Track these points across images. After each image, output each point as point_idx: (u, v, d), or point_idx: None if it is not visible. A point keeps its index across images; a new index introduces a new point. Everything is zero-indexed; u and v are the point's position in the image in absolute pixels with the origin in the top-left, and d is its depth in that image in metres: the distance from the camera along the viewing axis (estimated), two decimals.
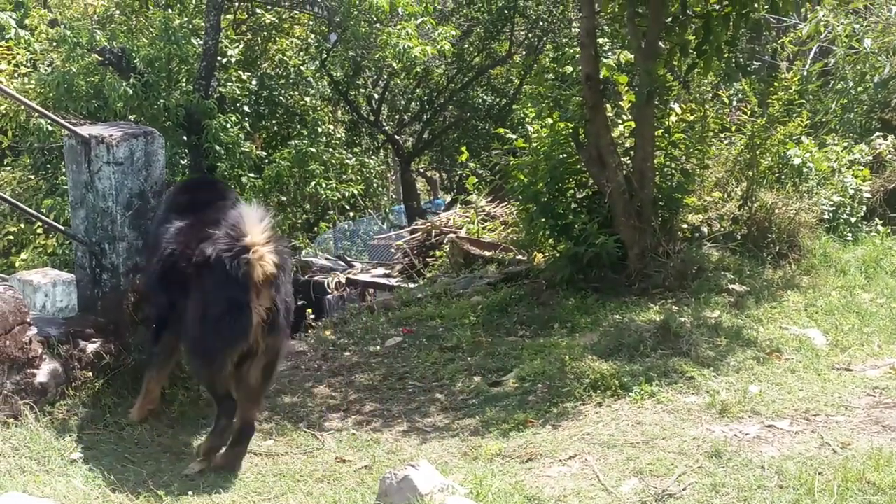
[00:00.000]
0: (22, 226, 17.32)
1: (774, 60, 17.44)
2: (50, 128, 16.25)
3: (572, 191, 10.68)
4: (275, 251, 6.48)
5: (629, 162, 10.28)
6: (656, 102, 10.17)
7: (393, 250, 17.41)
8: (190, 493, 6.24)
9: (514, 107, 24.59)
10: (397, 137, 27.39)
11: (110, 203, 7.74)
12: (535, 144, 10.89)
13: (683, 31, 9.96)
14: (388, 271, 17.07)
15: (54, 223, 9.51)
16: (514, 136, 11.80)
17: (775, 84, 11.60)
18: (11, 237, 17.34)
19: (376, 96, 26.39)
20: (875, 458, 5.70)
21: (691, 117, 10.94)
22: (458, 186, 28.61)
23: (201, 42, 17.89)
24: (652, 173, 10.02)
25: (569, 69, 11.74)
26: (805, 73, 13.77)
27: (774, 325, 8.73)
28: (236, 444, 6.63)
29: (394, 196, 31.38)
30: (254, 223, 6.51)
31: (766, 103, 11.41)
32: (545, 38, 24.64)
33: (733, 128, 11.72)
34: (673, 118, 10.72)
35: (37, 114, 15.85)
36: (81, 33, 17.20)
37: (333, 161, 19.44)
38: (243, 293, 6.43)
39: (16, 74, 18.31)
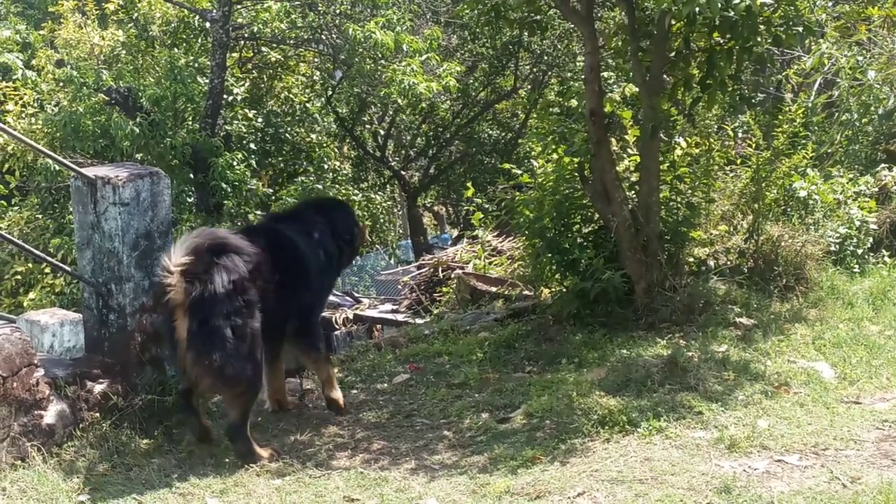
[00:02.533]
0: (30, 265, 17.40)
1: (779, 92, 17.49)
2: (57, 168, 16.37)
3: (578, 226, 10.68)
4: (186, 276, 6.95)
5: (634, 196, 10.28)
6: (661, 136, 10.17)
7: (400, 286, 17.39)
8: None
9: (519, 141, 24.68)
10: (403, 173, 27.46)
11: (116, 244, 7.77)
12: (540, 179, 10.91)
13: (687, 66, 9.98)
14: (395, 307, 17.06)
15: (60, 264, 9.54)
16: (519, 172, 11.81)
17: (780, 116, 11.61)
18: (19, 277, 17.41)
19: (382, 132, 26.50)
20: (885, 493, 5.68)
21: (696, 151, 10.96)
22: (464, 221, 28.63)
23: (207, 80, 18.02)
24: (657, 207, 10.02)
25: (573, 103, 11.74)
26: (809, 105, 13.78)
27: (782, 358, 8.69)
28: None
29: (400, 231, 31.39)
30: (178, 250, 7.04)
31: (771, 136, 11.42)
32: (550, 73, 24.75)
33: (738, 161, 11.73)
34: (678, 152, 10.73)
35: (43, 154, 15.96)
36: (88, 73, 17.33)
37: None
38: (166, 320, 7.25)
39: (23, 115, 18.46)
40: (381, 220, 21.85)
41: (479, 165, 27.42)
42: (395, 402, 8.97)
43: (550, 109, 11.74)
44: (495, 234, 15.74)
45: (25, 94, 18.91)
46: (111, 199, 7.70)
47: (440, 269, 15.58)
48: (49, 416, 7.33)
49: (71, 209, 16.49)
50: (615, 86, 12.16)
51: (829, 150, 14.00)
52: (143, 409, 7.82)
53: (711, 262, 10.72)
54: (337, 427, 8.38)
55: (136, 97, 17.73)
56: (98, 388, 7.72)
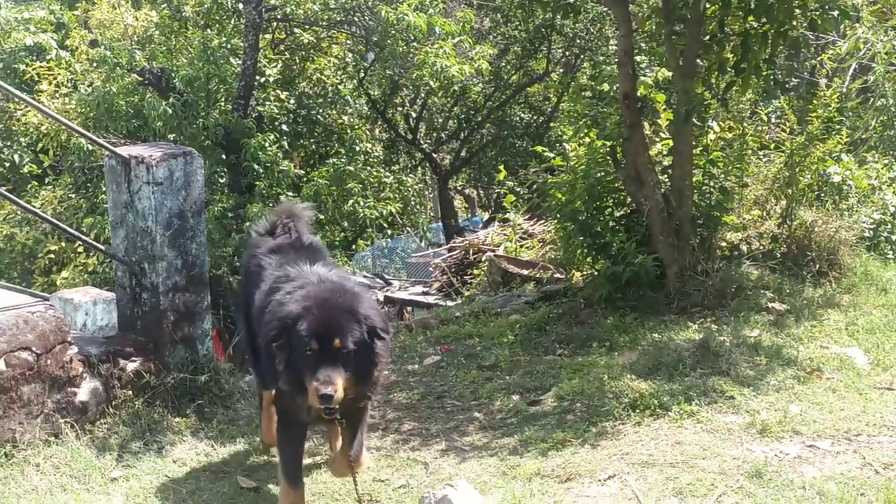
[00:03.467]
0: (63, 244, 17.51)
1: (813, 77, 17.37)
2: (90, 147, 16.44)
3: (610, 209, 10.65)
4: None
5: (667, 180, 10.24)
6: (694, 121, 10.12)
7: (431, 268, 17.42)
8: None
9: (551, 125, 24.63)
10: (435, 155, 27.44)
11: (150, 223, 7.79)
12: (572, 163, 10.87)
13: (722, 49, 9.94)
14: (425, 289, 17.11)
15: (94, 243, 9.58)
16: (551, 155, 11.78)
17: (815, 101, 11.53)
18: (53, 256, 17.53)
19: (414, 114, 26.48)
20: None
21: (730, 135, 10.90)
22: (495, 204, 28.62)
23: (240, 62, 18.06)
24: (690, 191, 9.98)
25: (606, 87, 11.70)
26: (844, 91, 13.69)
27: (815, 343, 8.64)
28: None
29: (431, 214, 31.41)
30: None
31: (806, 120, 11.35)
32: (582, 56, 24.68)
33: (772, 145, 11.66)
34: (711, 136, 10.68)
35: (77, 134, 16.02)
36: (121, 54, 17.38)
37: (371, 179, 19.53)
38: None
39: (56, 94, 18.54)
40: (412, 203, 21.84)
41: (510, 149, 27.40)
42: (426, 384, 8.99)
43: (583, 93, 11.70)
44: (526, 217, 15.74)
45: (59, 74, 19.00)
46: (145, 179, 7.72)
47: (471, 252, 15.61)
48: (82, 393, 7.38)
49: (104, 189, 16.65)
50: (648, 70, 12.10)
51: (864, 136, 13.90)
52: (175, 388, 7.84)
53: (744, 247, 10.67)
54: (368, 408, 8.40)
55: (169, 78, 17.78)
56: (131, 366, 7.76)
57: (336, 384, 5.21)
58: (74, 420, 7.22)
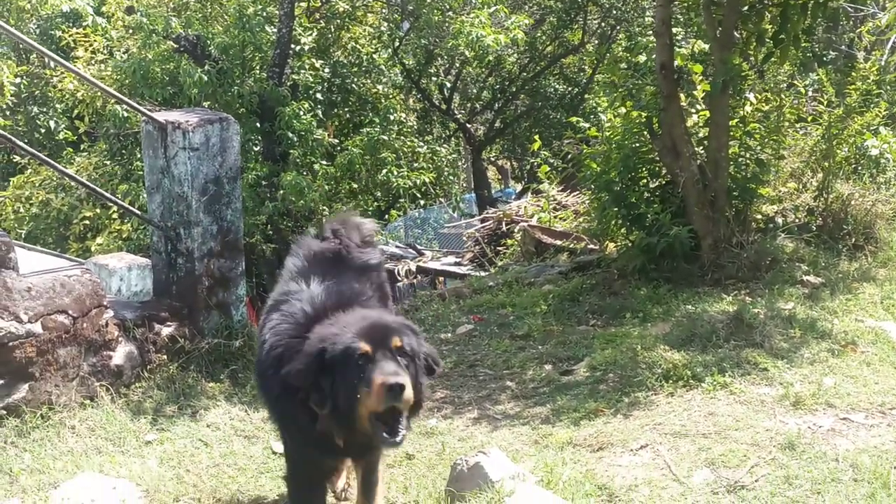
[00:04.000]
0: (98, 211, 17.56)
1: (851, 50, 17.20)
2: (125, 114, 16.46)
3: (645, 180, 10.62)
4: None
5: (703, 152, 10.19)
6: (731, 92, 10.06)
7: (465, 238, 17.42)
8: (263, 475, 6.31)
9: (586, 96, 24.52)
10: (468, 126, 27.36)
11: (186, 188, 7.82)
12: (607, 134, 10.84)
13: (760, 20, 9.86)
14: (458, 259, 17.11)
15: (131, 208, 9.62)
16: (586, 125, 11.74)
17: (853, 74, 11.43)
18: (88, 222, 17.60)
19: (448, 85, 26.39)
20: None
21: (766, 107, 10.83)
22: (529, 175, 28.55)
23: (275, 30, 18.02)
24: (726, 163, 9.93)
25: (642, 58, 11.64)
26: (883, 64, 13.54)
27: (850, 317, 8.59)
28: None
29: (464, 185, 31.35)
30: None
31: (844, 93, 11.25)
32: (618, 27, 24.52)
33: (809, 118, 11.58)
34: (748, 108, 10.61)
35: (113, 100, 16.07)
36: (157, 20, 17.38)
37: (405, 149, 19.49)
38: None
39: (92, 61, 18.56)
40: (446, 173, 21.79)
41: (544, 120, 27.25)
42: (459, 352, 9.02)
43: (619, 64, 11.64)
44: (560, 188, 15.70)
45: (95, 40, 19.04)
46: (181, 144, 7.75)
47: (504, 223, 15.60)
48: (118, 356, 7.44)
49: (139, 156, 16.71)
50: (684, 41, 12.03)
51: None
52: (209, 353, 7.90)
53: (779, 220, 10.61)
54: None
55: (204, 45, 17.76)
56: (166, 330, 7.82)
57: (405, 376, 4.44)
58: (109, 383, 7.29)
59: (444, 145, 23.94)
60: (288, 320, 5.05)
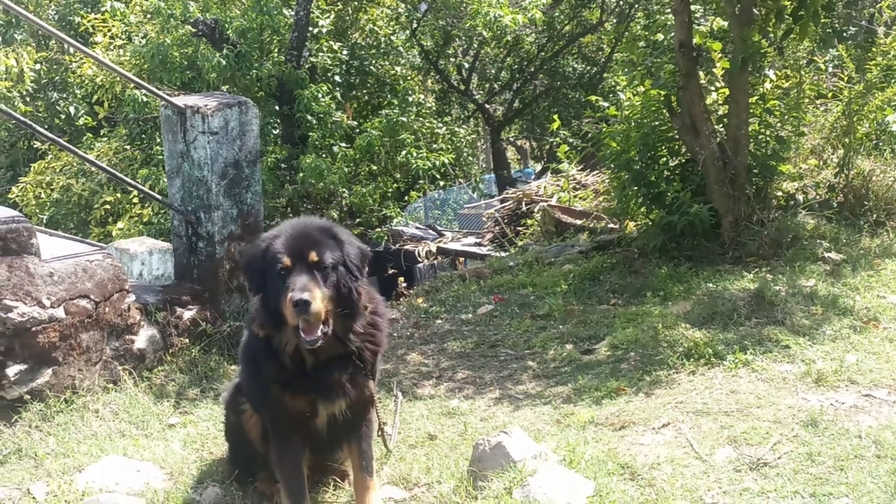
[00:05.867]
0: (118, 195, 17.58)
1: (871, 26, 17.08)
2: (145, 99, 16.47)
3: (665, 158, 10.60)
4: None
5: (722, 130, 10.15)
6: (750, 69, 10.01)
7: (484, 219, 17.41)
8: None
9: (604, 75, 24.44)
10: (487, 106, 27.32)
11: (206, 172, 7.85)
12: (627, 112, 10.81)
13: None
14: (478, 240, 17.12)
15: (151, 192, 9.64)
16: (605, 105, 11.70)
17: (874, 49, 11.36)
18: (108, 206, 17.62)
19: (466, 65, 26.34)
20: None
21: (786, 84, 10.78)
22: (548, 155, 28.51)
23: (293, 12, 17.99)
24: (746, 141, 9.89)
25: (660, 37, 11.58)
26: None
27: (871, 293, 8.56)
28: None
29: (483, 165, 31.33)
30: None
31: (864, 69, 11.18)
32: (636, 6, 24.43)
33: (829, 94, 11.52)
34: (767, 85, 10.56)
35: (132, 85, 16.09)
36: (175, 5, 17.37)
37: (424, 130, 19.46)
38: None
39: (111, 46, 18.56)
40: (465, 154, 21.76)
41: (563, 99, 27.23)
42: (480, 333, 9.02)
43: (637, 43, 11.59)
44: (580, 167, 15.69)
45: (114, 25, 19.04)
46: (200, 128, 7.77)
47: (524, 203, 15.59)
48: (140, 340, 7.48)
49: (158, 140, 16.74)
50: (703, 19, 11.97)
51: None
52: (230, 336, 7.94)
53: (800, 197, 10.57)
54: (421, 356, 8.46)
55: (222, 29, 17.75)
56: (187, 314, 7.86)
57: (313, 291, 4.70)
58: (132, 367, 7.33)
59: (463, 126, 23.92)
60: None
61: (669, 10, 12.24)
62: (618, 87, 11.95)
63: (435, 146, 19.98)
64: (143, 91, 16.83)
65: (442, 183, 21.07)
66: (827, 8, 9.69)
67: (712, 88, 10.74)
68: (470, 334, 8.99)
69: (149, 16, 18.72)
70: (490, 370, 8.04)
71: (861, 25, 17.26)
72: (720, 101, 10.60)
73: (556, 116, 16.46)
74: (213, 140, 7.79)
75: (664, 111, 10.21)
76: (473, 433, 6.44)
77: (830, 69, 12.90)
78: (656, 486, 5.25)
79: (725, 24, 10.48)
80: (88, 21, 19.08)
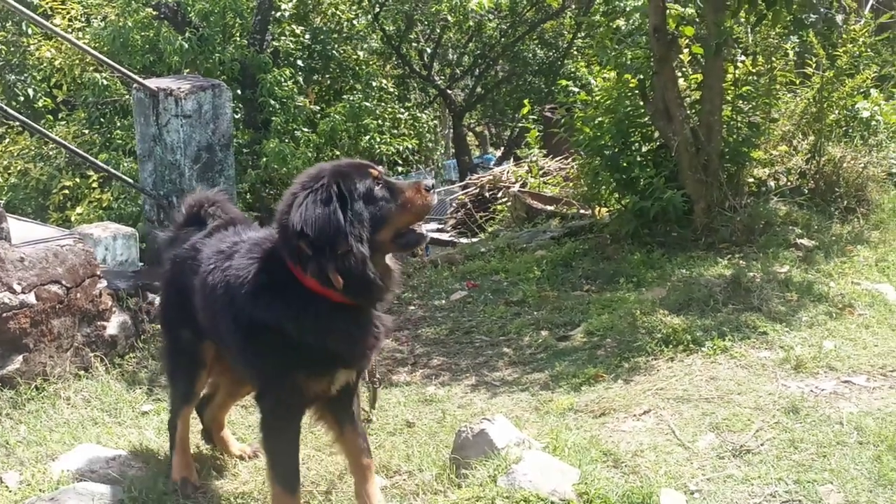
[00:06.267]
0: (77, 180, 17.39)
1: (830, 11, 17.11)
2: (105, 82, 16.29)
3: (637, 144, 10.57)
4: None
5: (695, 115, 10.13)
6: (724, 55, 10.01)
7: (454, 205, 17.33)
8: (258, 442, 6.24)
9: (565, 61, 24.46)
10: (449, 92, 27.28)
11: (178, 156, 7.76)
12: (598, 98, 10.77)
13: None
14: (440, 226, 17.02)
15: (123, 176, 9.54)
16: (576, 90, 11.65)
17: (843, 36, 11.38)
18: (67, 192, 17.40)
19: (429, 50, 26.29)
20: None
21: (754, 70, 10.78)
22: (508, 141, 28.51)
23: None
24: (719, 126, 9.89)
25: (620, 23, 11.54)
26: (861, 24, 13.48)
27: (845, 279, 8.59)
28: None
29: (443, 151, 31.30)
30: None
31: (834, 56, 11.21)
32: None
33: (798, 81, 11.53)
34: (740, 70, 10.56)
35: (92, 68, 15.89)
36: None
37: (386, 115, 19.40)
38: None
39: (70, 29, 18.33)
40: (427, 139, 21.73)
41: (524, 85, 27.22)
42: (454, 319, 8.97)
43: (609, 25, 11.55)
44: (543, 153, 15.67)
45: (73, 7, 18.83)
46: (173, 112, 7.67)
47: (487, 188, 15.54)
48: (111, 327, 7.38)
49: (118, 124, 16.56)
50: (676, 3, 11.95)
51: (894, 72, 13.73)
52: None
53: (772, 183, 10.60)
54: (395, 343, 8.39)
55: (184, 12, 17.63)
56: (158, 300, 7.74)
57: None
58: (104, 354, 7.24)
59: (425, 111, 23.88)
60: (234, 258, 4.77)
61: None
62: (579, 73, 11.92)
63: (395, 131, 19.93)
64: (104, 74, 16.67)
65: (402, 168, 21.02)
66: None
67: (679, 74, 10.71)
68: (444, 321, 8.93)
69: None
70: (465, 357, 7.99)
71: (821, 13, 17.31)
72: (692, 87, 10.58)
73: (526, 102, 16.40)
74: (186, 123, 7.70)
75: (637, 97, 10.18)
76: (452, 420, 6.38)
77: (792, 55, 12.91)
78: (640, 474, 5.23)
79: (684, 10, 10.44)
80: (47, 3, 18.83)
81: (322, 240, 4.23)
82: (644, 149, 10.56)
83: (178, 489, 5.45)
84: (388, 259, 4.56)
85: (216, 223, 5.40)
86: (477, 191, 16.20)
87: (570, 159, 14.29)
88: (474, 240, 13.41)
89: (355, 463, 5.07)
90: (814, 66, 11.35)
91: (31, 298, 6.69)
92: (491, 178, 16.27)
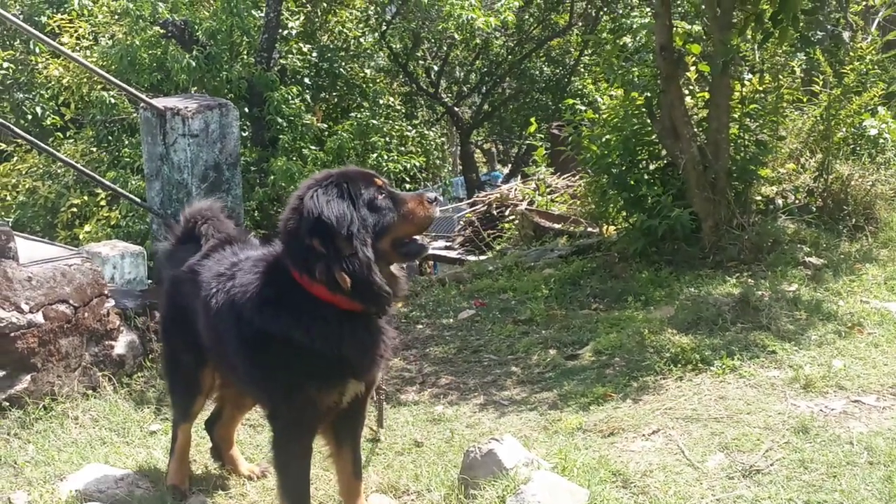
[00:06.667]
0: (86, 198, 17.40)
1: (836, 29, 17.13)
2: (112, 101, 16.32)
3: (645, 162, 10.57)
4: None
5: (702, 133, 10.13)
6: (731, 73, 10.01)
7: (462, 222, 17.34)
8: (270, 465, 6.22)
9: (572, 78, 24.48)
10: (456, 109, 27.30)
11: (185, 175, 7.76)
12: (605, 116, 10.78)
13: (758, 1, 9.78)
14: (448, 243, 17.03)
15: (131, 196, 9.55)
16: (583, 108, 11.66)
17: (851, 54, 11.39)
18: (75, 209, 17.42)
19: (436, 68, 26.33)
20: None
21: (761, 87, 10.78)
22: (516, 159, 28.52)
23: (262, 14, 17.90)
24: (727, 144, 9.88)
25: (626, 40, 11.57)
26: (868, 42, 13.46)
27: (854, 298, 8.56)
28: None
29: (450, 168, 31.32)
30: None
31: (841, 73, 11.20)
32: (603, 10, 24.52)
33: (805, 98, 11.52)
34: (747, 88, 10.56)
35: (100, 87, 15.92)
36: (144, 6, 17.26)
37: (393, 133, 19.42)
38: None
39: (78, 47, 18.37)
40: (435, 156, 21.74)
41: (531, 103, 27.25)
42: (462, 338, 8.96)
43: (605, 46, 11.58)
44: (551, 171, 15.68)
45: (81, 26, 18.86)
46: (181, 131, 7.68)
47: (495, 206, 15.56)
48: (119, 346, 7.38)
49: (126, 142, 16.58)
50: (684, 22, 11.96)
51: None
52: None
53: (780, 201, 10.57)
54: (404, 362, 8.38)
55: (192, 30, 17.65)
56: (158, 315, 7.74)
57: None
58: (112, 373, 7.23)
59: (433, 129, 23.90)
60: (238, 273, 4.80)
61: (635, 13, 12.24)
62: (590, 91, 11.91)
63: (403, 149, 19.94)
64: (111, 93, 16.70)
65: (409, 186, 21.03)
66: (807, 13, 9.67)
67: (686, 92, 10.71)
68: (452, 339, 8.93)
69: (117, 16, 18.58)
70: (474, 376, 7.97)
71: (828, 30, 17.33)
72: (699, 105, 10.57)
73: (532, 119, 16.40)
74: (193, 143, 7.70)
75: (644, 114, 10.18)
76: (460, 440, 6.37)
77: (799, 73, 12.90)
78: (650, 494, 5.20)
79: (690, 27, 10.45)
80: (55, 21, 18.88)
81: (341, 228, 4.26)
82: (651, 167, 10.56)
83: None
84: (394, 267, 4.60)
85: (211, 244, 5.40)
86: (484, 208, 16.21)
87: (577, 177, 14.29)
88: (482, 258, 13.41)
89: (346, 483, 5.11)
90: (821, 83, 11.34)
91: (38, 318, 6.68)
92: (498, 195, 16.29)
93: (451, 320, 9.48)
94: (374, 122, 18.17)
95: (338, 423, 4.92)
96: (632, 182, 10.26)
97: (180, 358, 5.55)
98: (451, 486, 5.43)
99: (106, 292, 7.29)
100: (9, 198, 18.43)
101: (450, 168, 29.89)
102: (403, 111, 23.56)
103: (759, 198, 10.55)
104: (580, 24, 26.15)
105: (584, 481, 5.25)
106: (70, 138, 19.14)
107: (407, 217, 4.44)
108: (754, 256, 9.61)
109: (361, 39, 21.18)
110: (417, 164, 19.24)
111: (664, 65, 9.75)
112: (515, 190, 16.18)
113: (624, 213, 10.60)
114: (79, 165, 9.13)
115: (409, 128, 21.04)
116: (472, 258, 14.10)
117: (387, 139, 19.00)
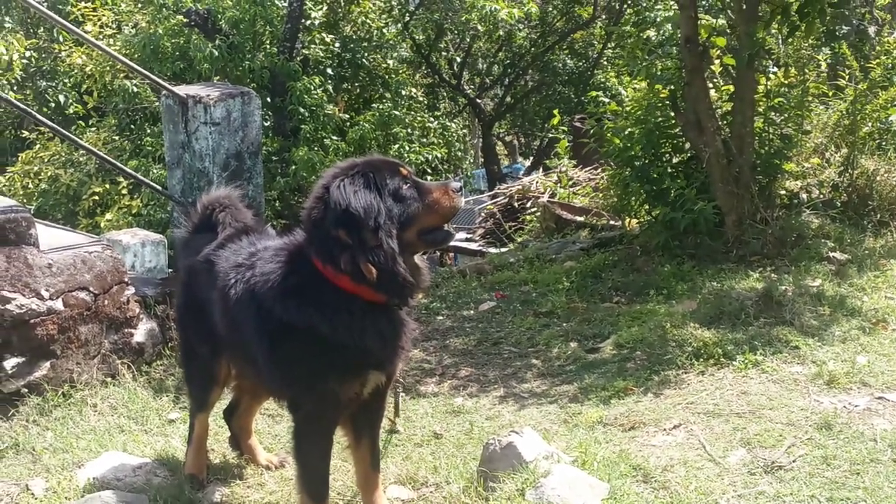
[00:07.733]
0: (107, 186, 17.44)
1: (863, 24, 17.02)
2: (135, 89, 16.34)
3: (668, 155, 10.50)
4: None
5: (726, 126, 10.06)
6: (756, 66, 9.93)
7: (483, 214, 17.31)
8: (289, 454, 6.20)
9: (595, 71, 24.40)
10: (478, 101, 27.26)
11: (207, 163, 7.74)
12: (629, 108, 10.72)
13: None
14: (469, 235, 16.99)
15: (152, 183, 9.52)
16: (606, 100, 11.59)
17: (877, 48, 11.30)
18: (97, 197, 17.46)
19: (458, 59, 26.29)
20: None
21: (786, 81, 10.70)
22: (538, 151, 28.47)
23: (286, 4, 17.90)
24: (751, 138, 9.80)
25: (650, 33, 11.49)
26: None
27: (879, 294, 8.47)
28: None
29: (472, 160, 31.28)
30: None
31: (867, 68, 11.11)
32: (627, 3, 24.41)
33: (830, 93, 11.44)
34: (772, 82, 10.48)
35: (122, 75, 15.93)
36: None
37: (415, 124, 19.39)
38: None
39: (101, 36, 18.40)
40: (456, 148, 21.70)
41: (554, 95, 27.17)
42: (482, 330, 8.92)
43: (627, 39, 11.51)
44: (573, 163, 15.63)
45: (104, 14, 18.90)
46: (202, 119, 7.66)
47: (516, 198, 15.52)
48: (139, 334, 7.37)
49: (148, 131, 16.60)
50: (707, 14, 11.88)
51: None
52: None
53: (804, 196, 10.49)
54: (424, 353, 8.36)
55: (215, 19, 17.66)
56: (175, 303, 7.72)
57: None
58: (131, 361, 7.22)
59: (455, 120, 23.87)
60: (260, 261, 4.76)
61: (659, 6, 12.16)
62: (614, 83, 11.85)
63: (424, 140, 19.92)
64: (134, 81, 16.72)
65: (431, 177, 21.01)
66: (834, 6, 9.59)
67: (710, 85, 10.63)
68: (472, 331, 8.89)
69: (140, 5, 18.61)
70: (494, 368, 7.94)
71: (853, 24, 17.21)
72: (723, 99, 10.50)
73: (556, 112, 16.35)
74: (215, 131, 7.68)
75: (668, 107, 10.11)
76: (480, 432, 6.34)
77: (823, 67, 12.81)
78: (670, 489, 5.15)
79: (715, 21, 10.36)
80: (78, 10, 18.91)
81: (368, 219, 4.23)
82: (675, 160, 10.49)
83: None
84: (417, 258, 4.58)
85: (228, 233, 5.39)
86: (506, 200, 16.17)
87: (599, 170, 14.24)
88: (503, 250, 13.37)
89: (364, 475, 5.08)
90: (847, 77, 11.26)
91: (58, 305, 6.68)
92: (520, 187, 16.24)
93: (472, 312, 9.44)
94: (396, 112, 18.15)
95: (357, 414, 4.89)
96: (655, 175, 10.20)
97: (196, 348, 5.55)
98: (470, 478, 5.39)
99: (126, 280, 7.29)
100: (31, 185, 18.50)
101: (471, 160, 29.84)
102: (425, 102, 23.53)
103: (783, 192, 10.47)
104: (604, 16, 26.05)
105: (604, 475, 5.21)
106: (92, 126, 19.19)
107: (432, 207, 4.42)
108: (778, 251, 9.54)
109: (384, 30, 21.15)
110: (439, 155, 19.22)
111: (689, 57, 9.68)
112: (537, 182, 16.12)
113: (647, 206, 10.54)
114: (101, 153, 9.10)
115: (431, 119, 21.02)
116: (493, 250, 14.06)
117: (408, 130, 18.99)
